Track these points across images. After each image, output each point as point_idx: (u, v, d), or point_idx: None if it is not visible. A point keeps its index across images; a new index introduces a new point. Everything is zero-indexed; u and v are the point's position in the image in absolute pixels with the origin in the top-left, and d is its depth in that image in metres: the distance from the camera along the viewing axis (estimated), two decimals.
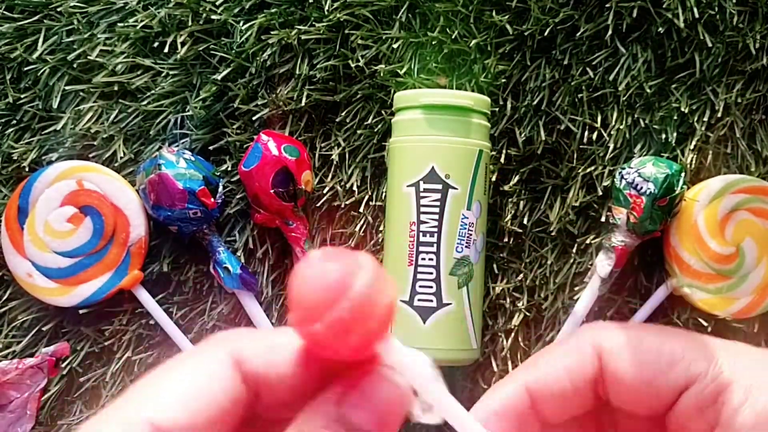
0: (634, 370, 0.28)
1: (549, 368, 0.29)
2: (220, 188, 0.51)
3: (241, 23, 0.52)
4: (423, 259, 0.46)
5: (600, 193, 0.51)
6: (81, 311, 0.51)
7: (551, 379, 0.29)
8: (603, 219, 0.51)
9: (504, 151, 0.51)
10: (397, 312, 0.26)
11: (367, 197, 0.52)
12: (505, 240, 0.51)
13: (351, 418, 0.24)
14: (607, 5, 0.51)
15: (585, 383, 0.29)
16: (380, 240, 0.51)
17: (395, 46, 0.51)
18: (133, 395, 0.25)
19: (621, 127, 0.51)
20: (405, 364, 0.26)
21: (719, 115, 0.51)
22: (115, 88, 0.53)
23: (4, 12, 0.53)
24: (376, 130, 0.52)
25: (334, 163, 0.52)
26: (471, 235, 0.47)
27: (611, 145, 0.51)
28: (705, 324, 0.50)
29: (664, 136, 0.51)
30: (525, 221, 0.51)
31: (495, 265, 0.51)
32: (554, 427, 0.30)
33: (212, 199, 0.50)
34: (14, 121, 0.53)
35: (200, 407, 0.25)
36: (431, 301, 0.46)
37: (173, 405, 0.25)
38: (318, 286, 0.23)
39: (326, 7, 0.51)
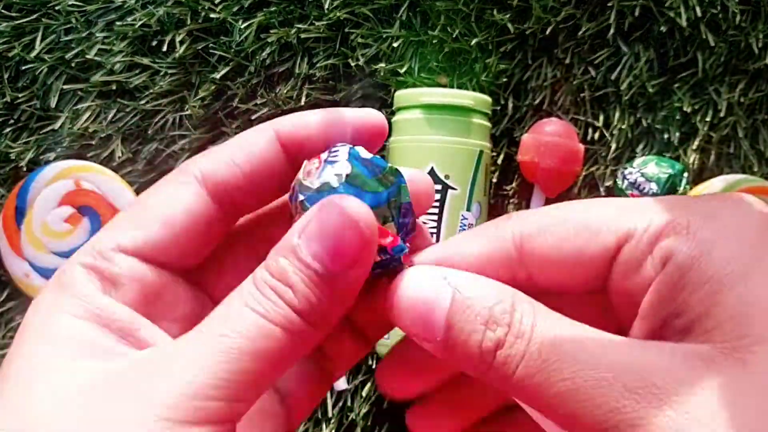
0: (556, 246, 0.26)
1: (464, 250, 0.28)
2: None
3: (240, 22, 0.51)
4: None
5: (602, 193, 0.51)
6: None
7: (464, 263, 0.27)
8: None
9: (505, 151, 0.51)
10: None
11: None
12: None
13: (303, 253, 0.25)
14: (609, 4, 0.50)
15: (501, 273, 0.27)
16: None
17: (395, 44, 0.51)
18: (104, 229, 0.27)
19: (623, 126, 0.51)
20: None
21: (722, 114, 0.50)
22: (113, 87, 0.52)
23: (2, 10, 0.53)
24: None
25: None
26: None
27: (613, 145, 0.50)
28: None
29: (666, 135, 0.50)
30: None
31: None
32: None
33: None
34: (12, 121, 0.53)
35: (164, 225, 0.26)
36: None
37: (135, 228, 0.26)
38: None
39: (326, 6, 0.51)
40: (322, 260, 0.24)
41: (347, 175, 0.26)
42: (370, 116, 0.28)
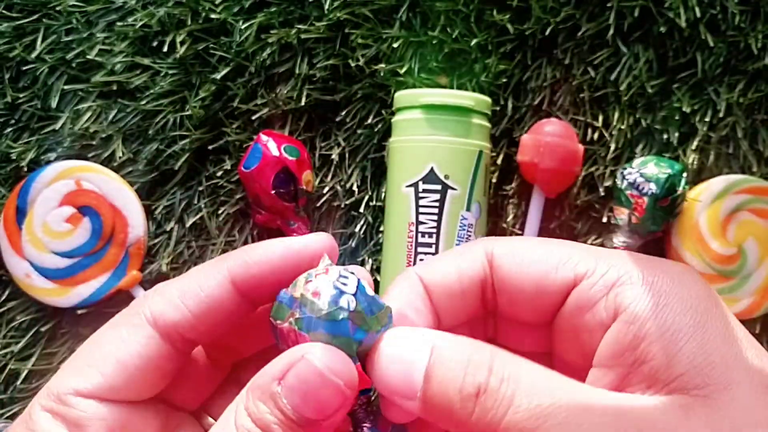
0: (520, 272, 0.28)
1: (441, 265, 0.29)
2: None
3: (240, 22, 0.52)
4: (421, 259, 0.46)
5: (602, 194, 0.51)
6: (79, 312, 0.51)
7: (442, 276, 0.29)
8: (605, 219, 0.51)
9: (504, 152, 0.51)
10: None
11: (367, 197, 0.51)
12: None
13: (284, 405, 0.25)
14: (609, 4, 0.50)
15: (473, 284, 0.29)
16: (380, 240, 0.51)
17: (395, 45, 0.51)
18: (61, 370, 0.29)
19: (622, 127, 0.51)
20: None
21: (721, 115, 0.50)
22: (114, 88, 0.52)
23: (3, 11, 0.53)
24: (376, 129, 0.51)
25: (334, 162, 0.52)
26: (470, 236, 0.47)
27: (613, 145, 0.51)
28: None
29: (665, 136, 0.51)
30: (526, 222, 0.51)
31: None
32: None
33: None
34: (12, 121, 0.53)
35: (118, 368, 0.28)
36: None
37: (90, 371, 0.28)
38: None
39: (326, 6, 0.51)
40: (303, 412, 0.25)
41: (351, 312, 0.26)
42: (319, 242, 0.29)
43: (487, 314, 0.31)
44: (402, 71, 0.51)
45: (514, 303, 0.29)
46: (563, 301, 0.28)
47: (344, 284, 0.27)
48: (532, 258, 0.28)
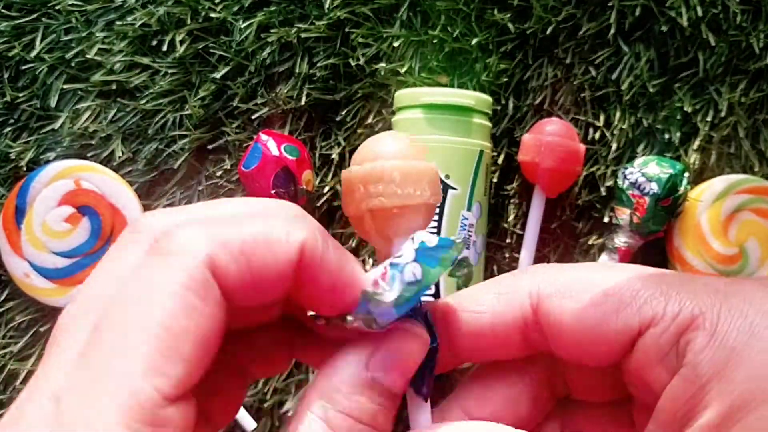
0: (575, 315, 0.24)
1: (480, 305, 0.27)
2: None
3: (240, 21, 0.51)
4: None
5: (603, 194, 0.51)
6: None
7: (478, 323, 0.26)
8: (606, 219, 0.50)
9: (505, 151, 0.51)
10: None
11: None
12: (507, 241, 0.51)
13: (383, 382, 0.23)
14: (610, 4, 0.50)
15: (508, 328, 0.26)
16: None
17: (396, 44, 0.51)
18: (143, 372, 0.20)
19: (624, 126, 0.51)
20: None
21: (723, 114, 0.50)
22: (113, 87, 0.52)
23: (2, 10, 0.53)
24: (376, 129, 0.51)
25: (335, 162, 0.52)
26: (471, 236, 0.46)
27: (614, 145, 0.50)
28: None
29: (667, 135, 0.50)
30: (527, 222, 0.50)
31: (496, 267, 0.51)
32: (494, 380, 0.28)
33: None
34: (12, 120, 0.53)
35: (200, 351, 0.21)
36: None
37: (173, 362, 0.20)
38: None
39: (326, 5, 0.51)
40: (401, 387, 0.24)
41: (416, 282, 0.24)
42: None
43: (541, 356, 0.27)
44: (402, 70, 0.51)
45: (568, 348, 0.25)
46: (628, 350, 0.24)
47: (398, 258, 0.24)
48: (588, 298, 0.24)
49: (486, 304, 0.26)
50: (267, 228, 0.22)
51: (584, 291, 0.25)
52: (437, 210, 0.46)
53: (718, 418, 0.22)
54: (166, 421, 0.19)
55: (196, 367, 0.20)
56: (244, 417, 0.50)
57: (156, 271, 0.20)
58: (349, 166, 0.26)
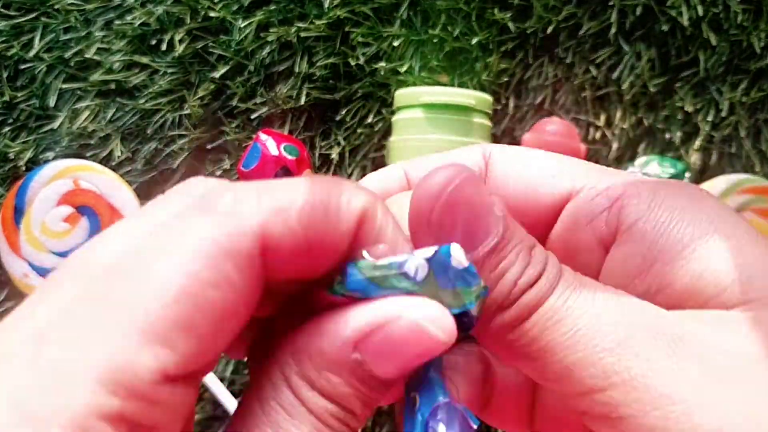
0: (514, 177, 0.25)
1: (432, 161, 0.26)
2: None
3: (239, 21, 0.51)
4: None
5: None
6: None
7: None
8: None
9: None
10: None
11: None
12: None
13: (373, 367, 0.20)
14: (611, 3, 0.50)
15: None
16: None
17: (396, 43, 0.51)
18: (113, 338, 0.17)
19: (625, 126, 0.50)
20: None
21: (724, 114, 0.50)
22: (112, 87, 0.52)
23: (1, 9, 0.53)
24: (376, 128, 0.51)
25: (334, 162, 0.51)
26: None
27: (615, 145, 0.50)
28: None
29: (668, 135, 0.50)
30: None
31: None
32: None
33: None
34: (10, 120, 0.53)
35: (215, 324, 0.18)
36: None
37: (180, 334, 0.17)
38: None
39: (326, 5, 0.51)
40: (392, 376, 0.20)
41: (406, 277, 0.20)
42: None
43: None
44: (402, 70, 0.51)
45: (509, 201, 0.25)
46: (557, 213, 0.24)
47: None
48: (530, 164, 0.25)
49: (443, 159, 0.26)
50: (325, 195, 0.19)
51: (528, 159, 0.25)
52: None
53: (689, 278, 0.21)
54: (159, 399, 0.16)
55: (210, 349, 0.17)
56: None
57: (195, 227, 0.17)
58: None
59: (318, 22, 0.51)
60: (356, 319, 0.19)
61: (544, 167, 0.25)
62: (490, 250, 0.21)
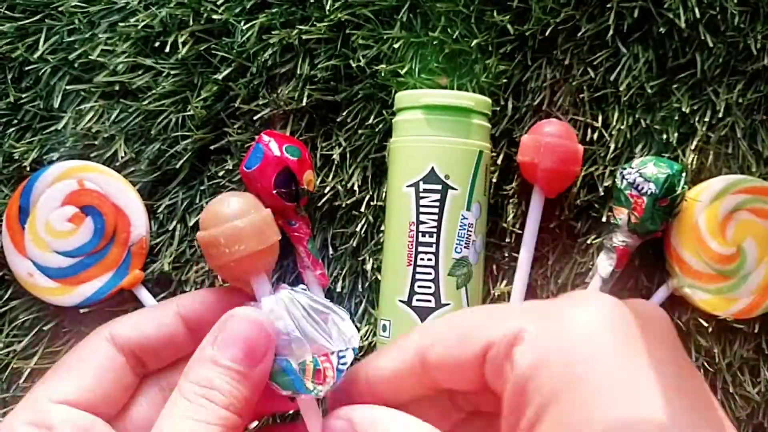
0: (444, 356, 0.30)
1: (381, 365, 0.33)
2: None
3: (242, 23, 0.52)
4: (422, 259, 0.46)
5: (601, 193, 0.51)
6: (82, 311, 0.51)
7: (382, 375, 0.33)
8: (604, 219, 0.51)
9: (504, 152, 0.51)
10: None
11: (368, 197, 0.52)
12: (506, 240, 0.51)
13: (221, 358, 0.31)
14: (609, 5, 0.51)
15: (412, 380, 0.32)
16: (381, 240, 0.51)
17: (396, 46, 0.51)
18: (39, 386, 0.34)
19: (622, 127, 0.51)
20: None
21: (720, 115, 0.51)
22: (116, 88, 0.53)
23: (5, 11, 0.53)
24: (377, 129, 0.52)
25: (335, 162, 0.52)
26: (470, 235, 0.47)
27: (612, 145, 0.51)
28: (705, 324, 0.50)
29: (665, 136, 0.51)
30: (526, 221, 0.51)
31: (495, 266, 0.51)
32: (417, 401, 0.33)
33: None
34: (15, 121, 0.53)
35: (93, 380, 0.34)
36: (429, 301, 0.46)
37: (72, 384, 0.33)
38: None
39: (327, 7, 0.51)
40: (241, 361, 0.32)
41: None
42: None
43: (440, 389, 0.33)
44: (403, 72, 0.51)
45: (453, 383, 0.31)
46: (482, 370, 0.29)
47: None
48: (448, 342, 0.30)
49: (388, 364, 0.33)
50: None
51: (447, 335, 0.31)
52: (437, 210, 0.46)
53: (533, 415, 0.26)
54: (48, 411, 0.33)
55: (79, 385, 0.35)
56: None
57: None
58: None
59: (319, 25, 0.51)
60: (210, 333, 0.33)
61: (458, 341, 0.30)
62: None
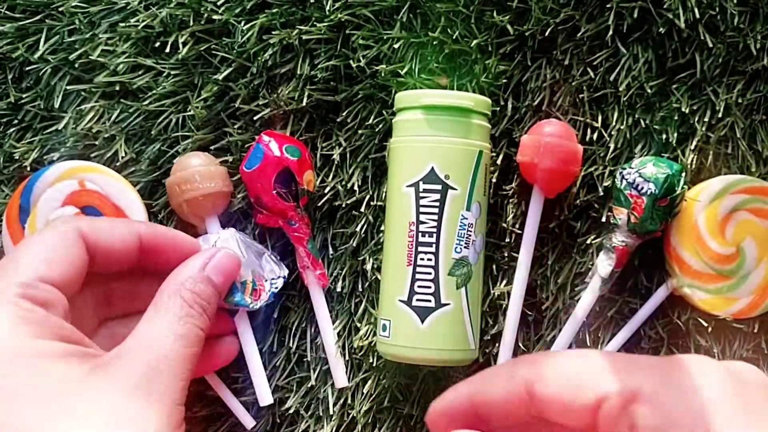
0: (555, 396, 0.32)
1: (492, 389, 0.35)
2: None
3: (242, 23, 0.52)
4: (422, 259, 0.46)
5: (601, 193, 0.51)
6: None
7: (491, 400, 0.34)
8: (604, 219, 0.51)
9: (504, 152, 0.51)
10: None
11: (368, 197, 0.52)
12: (506, 240, 0.51)
13: (215, 280, 0.42)
14: (608, 5, 0.51)
15: (519, 408, 0.34)
16: (381, 240, 0.51)
17: (396, 46, 0.51)
18: (8, 267, 0.36)
19: (622, 127, 0.51)
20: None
21: (720, 115, 0.51)
22: (117, 88, 0.53)
23: (6, 12, 0.54)
24: (377, 130, 0.52)
25: (335, 162, 0.52)
26: (470, 235, 0.47)
27: (612, 145, 0.51)
28: (705, 324, 0.50)
29: (664, 136, 0.51)
30: (525, 221, 0.51)
31: (495, 266, 0.51)
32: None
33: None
34: (16, 121, 0.53)
35: (58, 265, 0.37)
36: (429, 301, 0.46)
37: (37, 266, 0.36)
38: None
39: (327, 7, 0.51)
40: (222, 284, 0.43)
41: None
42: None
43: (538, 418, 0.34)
44: (403, 72, 0.51)
45: (557, 418, 0.33)
46: (595, 418, 0.31)
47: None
48: (560, 384, 0.32)
49: (497, 391, 0.34)
50: None
51: (558, 377, 0.33)
52: (437, 210, 0.46)
53: None
54: (43, 290, 0.36)
55: (62, 270, 0.38)
56: (243, 415, 0.51)
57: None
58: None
59: (319, 25, 0.51)
60: (203, 255, 0.43)
61: (573, 382, 0.32)
62: None
